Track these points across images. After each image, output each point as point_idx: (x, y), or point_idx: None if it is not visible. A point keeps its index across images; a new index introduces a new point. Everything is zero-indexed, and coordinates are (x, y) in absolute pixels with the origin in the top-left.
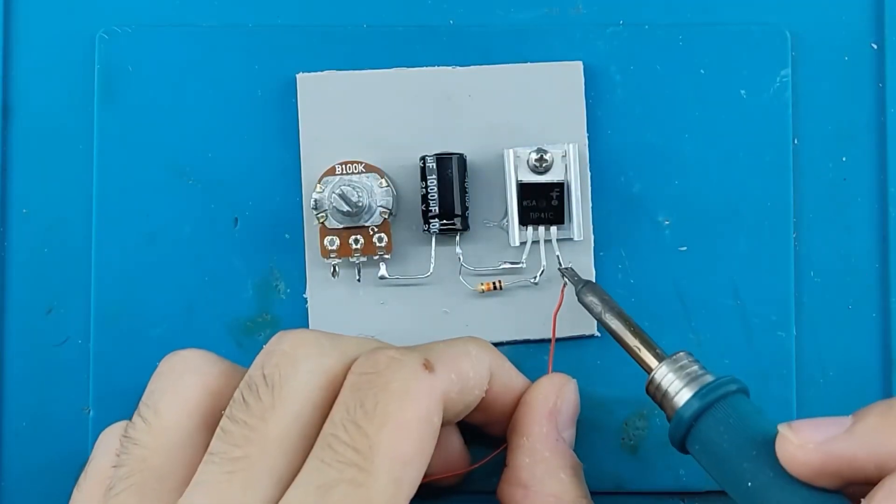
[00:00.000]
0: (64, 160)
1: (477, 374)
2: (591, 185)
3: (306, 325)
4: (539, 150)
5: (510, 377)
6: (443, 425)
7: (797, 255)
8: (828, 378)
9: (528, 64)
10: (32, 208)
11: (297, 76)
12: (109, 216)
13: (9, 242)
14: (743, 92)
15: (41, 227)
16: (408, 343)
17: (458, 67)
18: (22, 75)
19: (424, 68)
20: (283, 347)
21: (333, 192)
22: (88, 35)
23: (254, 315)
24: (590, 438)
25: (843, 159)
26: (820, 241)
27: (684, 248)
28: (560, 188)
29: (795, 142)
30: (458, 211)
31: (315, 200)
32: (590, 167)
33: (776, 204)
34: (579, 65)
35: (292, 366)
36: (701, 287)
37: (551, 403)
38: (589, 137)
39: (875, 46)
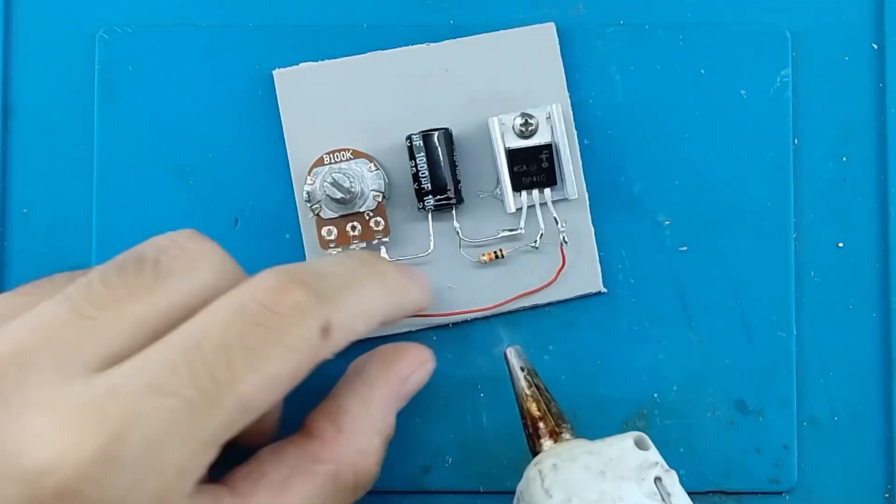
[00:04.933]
0: (64, 160)
1: (366, 332)
2: (591, 187)
3: None
4: (523, 115)
5: (407, 312)
6: None
7: (797, 255)
8: (828, 378)
9: (501, 31)
10: (32, 208)
11: (274, 72)
12: (109, 216)
13: (9, 242)
14: (743, 92)
15: (41, 227)
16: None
17: (432, 44)
18: (22, 75)
19: (399, 49)
20: (189, 245)
21: (325, 181)
22: (88, 35)
23: None
24: (590, 438)
25: (844, 159)
26: (820, 241)
27: (684, 248)
28: (549, 150)
29: (795, 142)
30: (450, 185)
31: (307, 192)
32: (589, 167)
33: (776, 204)
34: (551, 26)
35: (189, 266)
36: (701, 287)
37: (409, 372)
38: (589, 137)
39: (875, 46)
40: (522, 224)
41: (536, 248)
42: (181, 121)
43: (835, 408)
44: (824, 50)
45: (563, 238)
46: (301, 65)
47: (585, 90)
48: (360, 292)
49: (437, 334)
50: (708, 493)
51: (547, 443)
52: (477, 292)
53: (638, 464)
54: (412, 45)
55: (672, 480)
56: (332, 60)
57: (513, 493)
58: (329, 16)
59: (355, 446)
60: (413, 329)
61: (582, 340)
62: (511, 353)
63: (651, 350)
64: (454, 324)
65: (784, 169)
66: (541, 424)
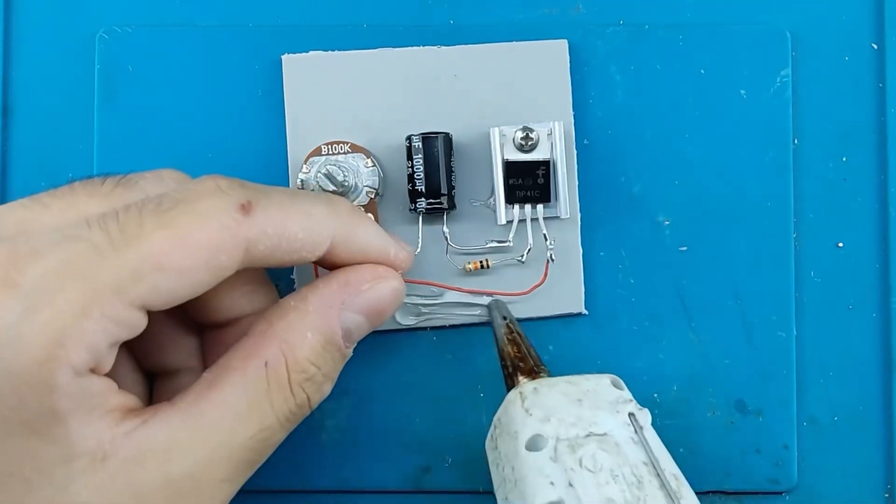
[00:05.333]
0: (64, 160)
1: (309, 238)
2: (591, 186)
3: None
4: (525, 129)
5: (362, 246)
6: (252, 269)
7: (797, 255)
8: (828, 378)
9: (514, 43)
10: None
11: (283, 57)
12: None
13: None
14: (743, 92)
15: None
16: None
17: (444, 47)
18: (22, 75)
19: (410, 48)
20: (163, 171)
21: (319, 172)
22: (88, 35)
23: None
24: None
25: (843, 159)
26: (820, 241)
27: (684, 248)
28: (546, 166)
29: (795, 142)
30: (444, 190)
31: (301, 181)
32: (589, 167)
33: (776, 204)
34: (564, 43)
35: (154, 182)
36: (701, 287)
37: (357, 279)
38: (589, 137)
39: (875, 46)
40: (511, 237)
41: (523, 262)
42: (181, 121)
43: (835, 408)
44: (824, 50)
45: (551, 255)
46: (311, 52)
47: (585, 90)
48: (297, 198)
49: (438, 335)
50: (708, 493)
51: (525, 379)
52: (459, 300)
53: (614, 398)
54: (412, 45)
55: (645, 417)
56: (342, 52)
57: None
58: (329, 16)
59: (285, 339)
60: (412, 327)
61: (582, 340)
62: (493, 305)
63: (651, 350)
64: (454, 325)
65: (784, 169)
66: (521, 364)
